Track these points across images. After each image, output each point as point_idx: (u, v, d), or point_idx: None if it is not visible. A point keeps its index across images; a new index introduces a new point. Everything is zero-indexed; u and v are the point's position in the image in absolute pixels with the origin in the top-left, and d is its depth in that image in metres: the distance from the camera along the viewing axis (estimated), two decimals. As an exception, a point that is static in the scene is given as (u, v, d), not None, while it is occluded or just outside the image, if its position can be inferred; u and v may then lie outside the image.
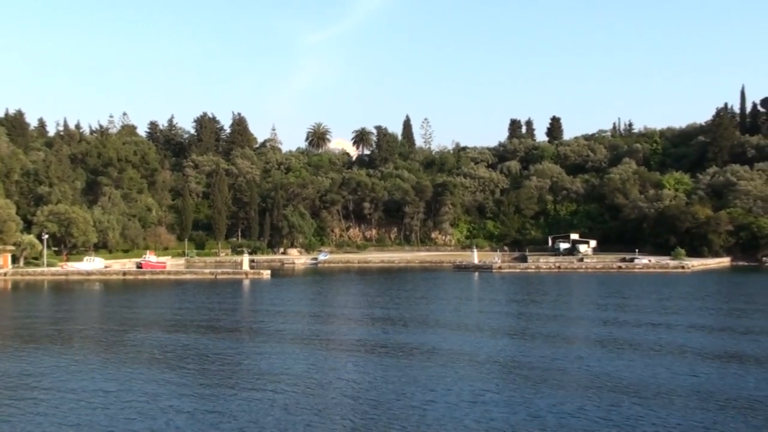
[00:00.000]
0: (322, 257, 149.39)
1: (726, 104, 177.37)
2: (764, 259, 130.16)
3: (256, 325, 56.65)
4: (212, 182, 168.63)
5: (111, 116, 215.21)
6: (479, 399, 31.17)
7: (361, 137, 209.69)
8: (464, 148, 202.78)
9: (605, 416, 28.32)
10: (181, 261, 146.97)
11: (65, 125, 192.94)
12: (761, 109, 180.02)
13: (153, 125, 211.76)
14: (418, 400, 31.15)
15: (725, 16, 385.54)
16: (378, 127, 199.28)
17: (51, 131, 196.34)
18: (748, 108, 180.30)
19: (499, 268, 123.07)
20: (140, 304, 73.65)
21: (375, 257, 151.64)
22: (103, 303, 77.94)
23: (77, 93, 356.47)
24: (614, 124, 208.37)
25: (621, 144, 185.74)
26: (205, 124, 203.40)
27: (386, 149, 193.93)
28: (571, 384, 34.02)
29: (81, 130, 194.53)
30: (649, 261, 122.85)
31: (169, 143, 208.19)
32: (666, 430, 26.58)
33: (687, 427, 26.88)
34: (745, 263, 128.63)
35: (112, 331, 53.34)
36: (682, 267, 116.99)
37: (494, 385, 33.70)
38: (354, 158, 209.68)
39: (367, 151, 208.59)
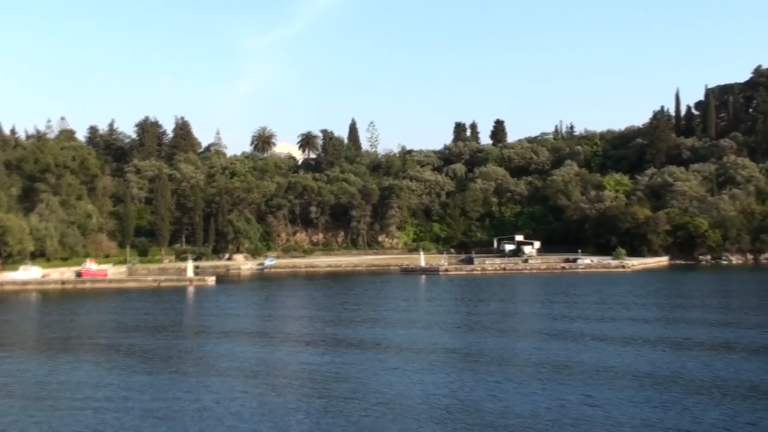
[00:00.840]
0: (268, 262, 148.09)
1: (662, 107, 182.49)
2: (701, 257, 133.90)
3: (201, 332, 55.89)
4: (155, 188, 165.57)
5: (49, 121, 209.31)
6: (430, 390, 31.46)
7: (306, 141, 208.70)
8: (410, 152, 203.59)
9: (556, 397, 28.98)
10: (123, 269, 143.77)
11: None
12: (695, 112, 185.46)
13: (93, 130, 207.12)
14: (371, 396, 31.29)
15: (661, 21, 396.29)
16: (324, 131, 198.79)
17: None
18: (683, 111, 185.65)
19: (446, 270, 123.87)
20: (70, 315, 71.85)
21: (322, 261, 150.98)
22: (39, 313, 75.86)
23: (12, 97, 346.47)
24: (556, 126, 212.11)
25: (563, 146, 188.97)
26: (147, 128, 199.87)
27: (332, 153, 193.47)
28: (520, 368, 34.67)
29: (16, 135, 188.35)
30: (592, 261, 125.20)
31: (109, 148, 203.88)
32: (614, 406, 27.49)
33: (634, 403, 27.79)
34: (683, 262, 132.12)
35: (52, 340, 52.03)
36: (623, 266, 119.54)
37: (445, 376, 34.16)
38: (300, 162, 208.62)
39: (313, 155, 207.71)
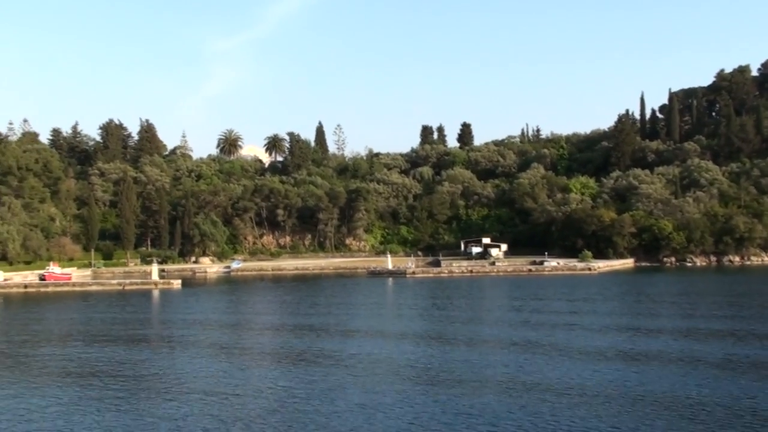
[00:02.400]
0: (235, 265, 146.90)
1: (627, 111, 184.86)
2: (665, 259, 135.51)
3: (166, 337, 55.08)
4: (120, 190, 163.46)
5: (11, 123, 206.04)
6: (385, 405, 31.18)
7: (273, 144, 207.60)
8: (377, 155, 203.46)
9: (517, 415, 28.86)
10: (88, 272, 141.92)
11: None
12: (659, 116, 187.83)
13: (56, 132, 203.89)
14: (329, 406, 30.95)
15: (626, 26, 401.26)
16: (291, 134, 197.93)
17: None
18: (648, 114, 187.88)
19: (413, 273, 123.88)
20: (31, 319, 70.51)
21: (289, 264, 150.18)
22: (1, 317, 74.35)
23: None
24: (523, 129, 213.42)
25: (529, 149, 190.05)
26: (112, 130, 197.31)
27: (299, 156, 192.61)
28: (484, 386, 34.48)
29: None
30: (558, 263, 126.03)
31: (73, 151, 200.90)
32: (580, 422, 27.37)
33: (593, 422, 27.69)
34: (648, 264, 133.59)
35: (12, 344, 50.96)
36: (589, 269, 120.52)
37: (411, 389, 33.86)
38: (267, 165, 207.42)
39: (279, 158, 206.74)
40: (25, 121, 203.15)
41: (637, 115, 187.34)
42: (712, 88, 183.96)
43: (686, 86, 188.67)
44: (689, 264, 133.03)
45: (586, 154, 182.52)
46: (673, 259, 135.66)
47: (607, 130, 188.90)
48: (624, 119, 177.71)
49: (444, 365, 40.89)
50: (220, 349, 48.81)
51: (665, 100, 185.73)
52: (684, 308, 66.77)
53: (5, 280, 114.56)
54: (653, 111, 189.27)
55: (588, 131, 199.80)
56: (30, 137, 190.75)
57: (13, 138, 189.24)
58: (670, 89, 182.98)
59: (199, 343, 51.37)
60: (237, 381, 38.01)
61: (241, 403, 33.08)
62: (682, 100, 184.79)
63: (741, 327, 53.09)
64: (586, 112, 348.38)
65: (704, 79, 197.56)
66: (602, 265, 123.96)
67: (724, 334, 49.64)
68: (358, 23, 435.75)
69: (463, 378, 37.27)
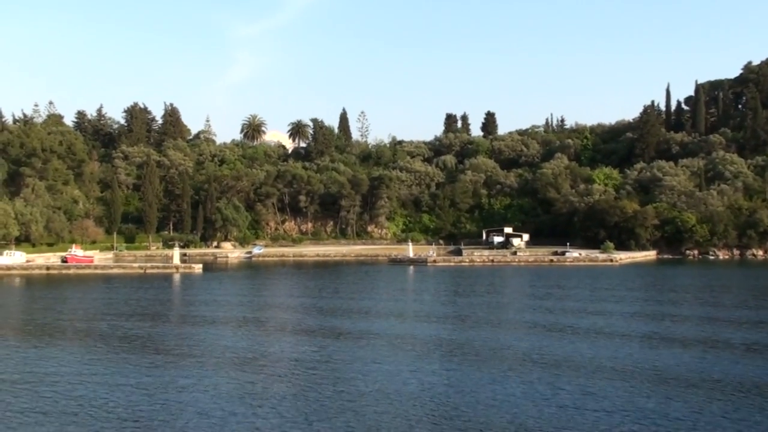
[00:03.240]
0: (256, 251, 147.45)
1: (653, 102, 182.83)
2: (688, 252, 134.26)
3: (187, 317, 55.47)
4: (143, 174, 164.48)
5: (36, 105, 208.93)
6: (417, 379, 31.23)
7: (297, 130, 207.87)
8: (400, 142, 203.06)
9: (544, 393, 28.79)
10: (110, 255, 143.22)
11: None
12: (685, 107, 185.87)
13: (81, 115, 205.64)
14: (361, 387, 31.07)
15: (653, 17, 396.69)
16: (314, 120, 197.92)
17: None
18: (673, 106, 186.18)
19: (434, 261, 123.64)
20: (41, 301, 71.25)
21: (310, 251, 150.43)
22: (21, 298, 75.34)
23: (0, 81, 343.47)
24: (547, 119, 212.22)
25: (553, 139, 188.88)
26: (136, 114, 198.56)
27: (322, 142, 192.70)
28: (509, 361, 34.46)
29: (4, 119, 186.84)
30: (580, 254, 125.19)
31: (98, 134, 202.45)
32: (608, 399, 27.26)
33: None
34: (670, 256, 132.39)
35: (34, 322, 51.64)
36: (611, 260, 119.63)
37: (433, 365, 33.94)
38: (290, 151, 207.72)
39: (303, 144, 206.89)
40: (51, 103, 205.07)
41: (663, 107, 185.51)
42: (739, 80, 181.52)
43: (713, 78, 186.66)
44: (712, 257, 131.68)
45: (611, 145, 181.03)
46: (695, 252, 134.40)
47: (631, 121, 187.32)
48: (649, 110, 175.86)
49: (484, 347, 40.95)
50: (244, 327, 49.23)
51: (691, 92, 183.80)
52: (714, 301, 66.07)
53: (27, 261, 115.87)
54: (679, 103, 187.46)
55: (613, 122, 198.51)
56: (55, 119, 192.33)
57: (39, 120, 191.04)
58: (696, 81, 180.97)
59: (219, 324, 51.67)
60: (262, 350, 38.68)
61: (269, 372, 33.87)
62: (709, 92, 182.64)
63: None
64: (611, 103, 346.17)
65: (731, 71, 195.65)
66: (624, 257, 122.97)
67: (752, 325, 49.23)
68: (382, 11, 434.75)
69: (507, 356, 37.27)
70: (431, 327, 49.63)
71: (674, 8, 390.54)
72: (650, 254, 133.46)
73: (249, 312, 59.62)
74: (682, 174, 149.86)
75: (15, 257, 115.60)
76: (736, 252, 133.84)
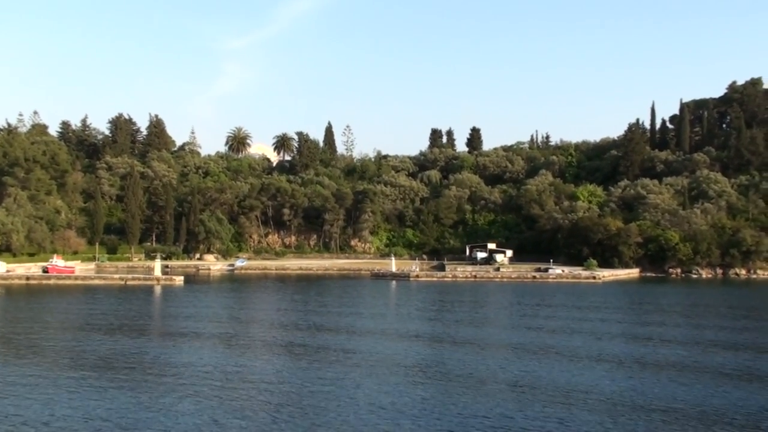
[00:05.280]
0: (239, 263, 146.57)
1: (638, 120, 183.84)
2: (671, 270, 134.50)
3: (166, 332, 54.69)
4: (126, 185, 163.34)
5: (21, 114, 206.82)
6: (389, 402, 30.74)
7: (282, 143, 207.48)
8: (385, 157, 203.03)
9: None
10: (92, 266, 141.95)
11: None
12: (670, 126, 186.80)
13: (65, 125, 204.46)
14: (331, 403, 30.53)
15: (638, 36, 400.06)
16: (299, 133, 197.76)
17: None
18: (658, 124, 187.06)
19: (417, 276, 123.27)
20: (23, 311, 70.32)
21: (293, 264, 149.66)
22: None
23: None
24: (532, 136, 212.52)
25: (538, 156, 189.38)
26: (121, 125, 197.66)
27: (307, 155, 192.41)
28: (482, 387, 34.04)
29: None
30: (563, 271, 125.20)
31: (82, 144, 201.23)
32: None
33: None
34: (653, 274, 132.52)
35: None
36: (594, 277, 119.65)
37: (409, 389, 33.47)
38: (275, 164, 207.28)
39: (287, 157, 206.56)
40: (35, 113, 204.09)
41: (648, 125, 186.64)
42: (724, 100, 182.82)
43: (698, 97, 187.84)
44: (695, 276, 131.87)
45: (595, 163, 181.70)
46: (678, 270, 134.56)
47: (616, 138, 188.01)
48: (634, 128, 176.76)
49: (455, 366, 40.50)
50: (223, 343, 48.57)
51: (676, 111, 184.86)
52: (699, 321, 65.98)
53: (7, 271, 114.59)
54: (663, 121, 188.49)
55: (597, 139, 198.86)
56: (39, 129, 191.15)
57: (23, 129, 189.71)
58: (681, 100, 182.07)
59: (191, 341, 50.96)
60: (239, 371, 37.92)
61: (248, 394, 33.26)
62: (693, 110, 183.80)
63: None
64: (596, 121, 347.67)
65: (716, 90, 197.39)
66: (607, 274, 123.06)
67: (738, 347, 49.05)
68: (369, 25, 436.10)
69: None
70: (411, 346, 49.06)
71: (660, 27, 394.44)
72: (633, 272, 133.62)
73: (228, 328, 58.85)
74: (666, 192, 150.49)
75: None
76: (719, 271, 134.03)
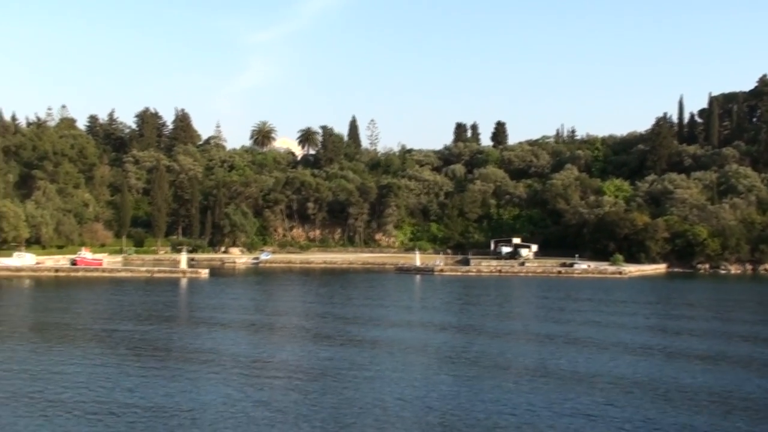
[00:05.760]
0: (263, 257, 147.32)
1: (665, 114, 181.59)
2: (698, 266, 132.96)
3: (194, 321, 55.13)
4: (153, 178, 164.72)
5: (50, 109, 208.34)
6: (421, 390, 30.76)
7: (306, 137, 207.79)
8: (410, 151, 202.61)
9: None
10: (119, 258, 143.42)
11: (0, 116, 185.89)
12: (698, 120, 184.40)
13: (93, 119, 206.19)
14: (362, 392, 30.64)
15: (666, 28, 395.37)
16: (324, 127, 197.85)
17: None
18: (686, 118, 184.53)
19: (441, 270, 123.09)
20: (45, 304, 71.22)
21: (317, 258, 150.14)
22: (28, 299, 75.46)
23: (15, 84, 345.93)
24: (557, 130, 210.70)
25: (564, 150, 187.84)
26: (147, 119, 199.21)
27: (332, 149, 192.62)
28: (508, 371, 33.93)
29: (17, 122, 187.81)
30: (588, 266, 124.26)
31: (109, 138, 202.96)
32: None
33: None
34: (681, 270, 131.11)
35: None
36: (620, 273, 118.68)
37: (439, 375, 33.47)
38: (299, 158, 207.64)
39: (312, 151, 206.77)
40: (64, 107, 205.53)
41: (675, 119, 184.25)
42: (754, 93, 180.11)
43: (727, 91, 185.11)
44: (723, 271, 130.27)
45: (622, 157, 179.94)
46: (707, 265, 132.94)
47: (643, 132, 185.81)
48: (662, 122, 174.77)
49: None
50: (251, 332, 48.91)
51: (705, 104, 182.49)
52: (729, 315, 65.19)
53: (37, 263, 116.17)
54: (692, 115, 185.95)
55: (624, 133, 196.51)
56: (67, 123, 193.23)
57: (51, 123, 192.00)
58: (710, 93, 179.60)
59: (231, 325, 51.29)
60: (268, 354, 38.59)
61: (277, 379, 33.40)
62: (723, 104, 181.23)
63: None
64: (623, 114, 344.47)
65: (746, 84, 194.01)
66: (633, 270, 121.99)
67: None
68: (393, 18, 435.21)
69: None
70: (439, 336, 49.06)
71: (688, 20, 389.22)
72: (660, 267, 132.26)
73: (255, 319, 59.18)
74: (694, 187, 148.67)
75: (25, 259, 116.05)
76: (748, 266, 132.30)
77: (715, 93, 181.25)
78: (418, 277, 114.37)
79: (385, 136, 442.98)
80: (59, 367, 37.02)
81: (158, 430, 26.74)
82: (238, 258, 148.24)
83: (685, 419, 28.53)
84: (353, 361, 39.23)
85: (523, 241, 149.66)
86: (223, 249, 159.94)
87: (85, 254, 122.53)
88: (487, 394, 32.18)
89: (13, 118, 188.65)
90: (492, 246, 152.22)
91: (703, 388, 33.69)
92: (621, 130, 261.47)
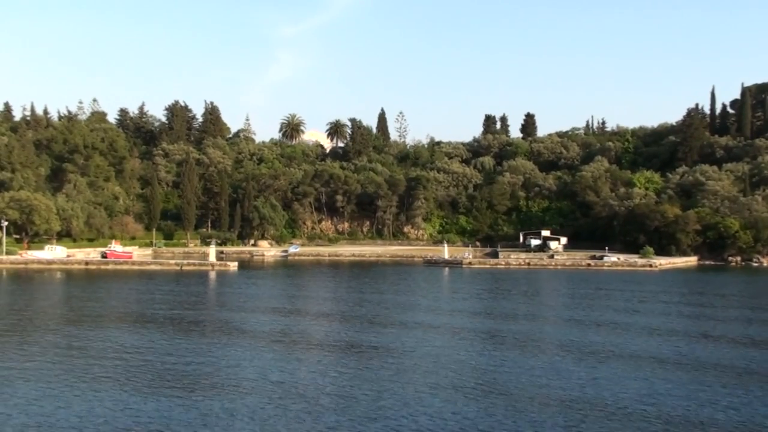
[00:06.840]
0: (292, 250, 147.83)
1: (697, 105, 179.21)
2: (730, 259, 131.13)
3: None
4: (182, 171, 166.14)
5: (80, 102, 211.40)
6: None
7: (335, 129, 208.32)
8: (438, 143, 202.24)
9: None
10: (149, 251, 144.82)
11: (32, 110, 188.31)
12: (730, 111, 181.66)
13: (123, 112, 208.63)
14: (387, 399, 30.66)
15: (698, 19, 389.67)
16: (352, 120, 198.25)
17: (17, 116, 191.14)
18: (718, 109, 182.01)
19: (469, 263, 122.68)
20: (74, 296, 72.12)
21: (346, 250, 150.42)
22: (60, 292, 76.43)
23: (47, 78, 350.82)
24: (587, 122, 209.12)
25: (594, 142, 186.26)
26: (177, 112, 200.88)
27: (360, 142, 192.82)
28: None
29: (48, 116, 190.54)
30: (618, 259, 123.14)
31: (139, 131, 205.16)
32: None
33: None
34: (712, 262, 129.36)
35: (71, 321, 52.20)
36: (650, 265, 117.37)
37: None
38: (328, 150, 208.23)
39: (341, 144, 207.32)
40: (95, 100, 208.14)
41: (707, 110, 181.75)
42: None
43: (760, 81, 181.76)
44: (755, 264, 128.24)
45: (652, 149, 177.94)
46: (738, 258, 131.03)
47: (674, 124, 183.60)
48: (693, 113, 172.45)
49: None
50: (284, 318, 49.21)
51: (737, 95, 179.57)
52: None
53: (68, 256, 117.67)
54: (724, 106, 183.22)
55: (655, 125, 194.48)
56: (98, 116, 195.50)
57: (82, 117, 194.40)
58: (742, 84, 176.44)
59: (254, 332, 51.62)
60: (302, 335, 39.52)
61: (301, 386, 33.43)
62: (755, 95, 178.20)
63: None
64: (654, 106, 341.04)
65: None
66: (664, 263, 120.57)
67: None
68: (422, 11, 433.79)
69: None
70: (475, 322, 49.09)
71: (721, 10, 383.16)
72: (691, 260, 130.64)
73: (287, 311, 59.45)
74: (725, 178, 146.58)
75: (56, 252, 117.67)
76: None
77: (748, 83, 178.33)
78: (446, 269, 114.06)
79: (414, 129, 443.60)
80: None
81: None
82: (267, 251, 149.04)
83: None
84: (403, 342, 42.42)
85: (552, 233, 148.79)
86: (252, 242, 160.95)
87: (116, 247, 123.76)
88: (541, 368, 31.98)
89: (45, 112, 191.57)
90: (521, 238, 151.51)
91: None
92: (652, 121, 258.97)
